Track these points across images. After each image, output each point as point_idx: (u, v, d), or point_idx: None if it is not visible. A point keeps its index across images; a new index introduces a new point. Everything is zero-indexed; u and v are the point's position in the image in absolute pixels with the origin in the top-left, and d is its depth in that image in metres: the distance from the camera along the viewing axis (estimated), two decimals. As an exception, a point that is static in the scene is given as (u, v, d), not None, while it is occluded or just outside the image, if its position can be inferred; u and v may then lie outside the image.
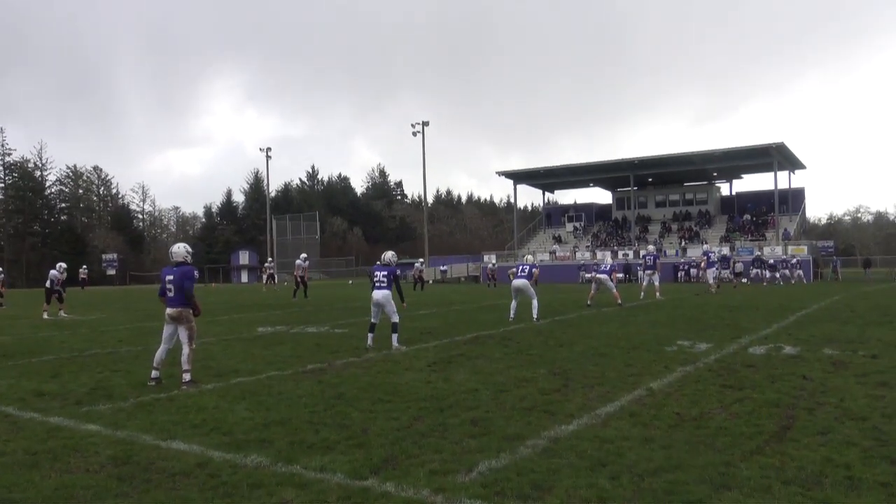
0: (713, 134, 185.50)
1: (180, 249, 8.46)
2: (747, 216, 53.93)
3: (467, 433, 5.50)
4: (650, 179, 58.13)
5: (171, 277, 8.18)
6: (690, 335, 12.06)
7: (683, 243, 52.02)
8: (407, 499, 4.04)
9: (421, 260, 48.40)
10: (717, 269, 27.52)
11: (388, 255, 11.69)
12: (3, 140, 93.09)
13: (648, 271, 23.81)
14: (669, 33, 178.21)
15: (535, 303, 15.74)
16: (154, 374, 8.25)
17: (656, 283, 23.51)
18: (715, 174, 57.18)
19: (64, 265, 21.81)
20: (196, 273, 8.64)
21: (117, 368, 9.40)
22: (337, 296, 31.52)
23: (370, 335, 11.31)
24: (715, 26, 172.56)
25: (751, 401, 6.52)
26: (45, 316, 20.17)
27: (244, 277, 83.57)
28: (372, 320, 11.38)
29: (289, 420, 6.08)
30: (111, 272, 78.86)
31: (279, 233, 78.32)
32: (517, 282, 15.88)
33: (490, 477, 4.37)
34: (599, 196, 76.99)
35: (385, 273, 11.14)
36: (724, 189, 61.20)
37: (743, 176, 59.22)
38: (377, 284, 11.11)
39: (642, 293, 23.92)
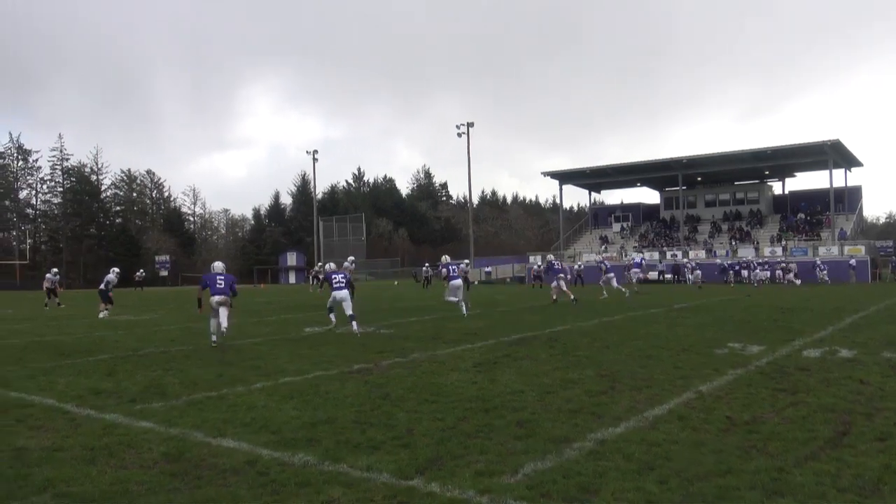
0: (762, 130, 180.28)
1: (220, 265, 12.78)
2: (801, 215, 52.57)
3: (513, 434, 5.48)
4: (699, 178, 57.10)
5: (222, 278, 12.32)
6: (741, 337, 11.79)
7: (734, 244, 50.94)
8: (452, 499, 4.04)
9: (466, 261, 48.40)
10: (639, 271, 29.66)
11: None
12: (62, 146, 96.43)
13: (609, 275, 26.75)
14: (712, 26, 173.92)
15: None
16: (214, 339, 11.93)
17: (618, 282, 26.85)
18: (767, 172, 55.90)
19: (118, 270, 23.61)
20: (235, 279, 12.86)
21: (170, 367, 9.63)
22: (383, 296, 31.74)
23: (332, 316, 14.37)
24: (760, 17, 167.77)
25: (805, 405, 6.34)
26: (102, 315, 20.93)
27: (292, 278, 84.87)
28: (330, 305, 14.36)
29: (335, 419, 6.14)
30: (164, 273, 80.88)
31: (326, 234, 79.25)
32: (455, 282, 17.89)
33: (536, 479, 4.34)
34: (647, 196, 75.92)
35: (342, 275, 14.25)
36: (777, 188, 59.82)
37: (796, 174, 57.72)
38: (336, 285, 14.00)
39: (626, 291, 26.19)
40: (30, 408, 6.94)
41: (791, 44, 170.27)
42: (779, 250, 47.14)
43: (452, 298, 17.91)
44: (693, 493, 4.04)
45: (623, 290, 26.03)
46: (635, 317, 16.91)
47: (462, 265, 43.49)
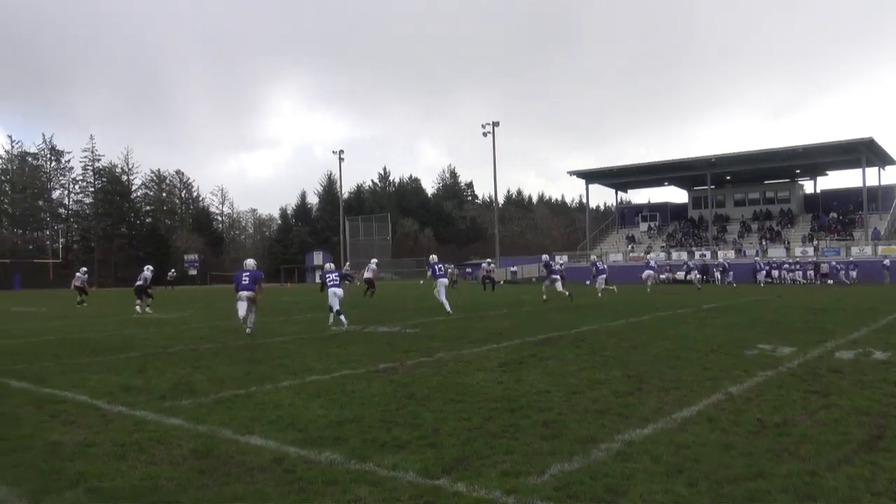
0: (793, 129, 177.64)
1: (251, 262, 14.20)
2: (833, 215, 51.66)
3: (539, 435, 5.45)
4: (728, 177, 56.38)
5: (248, 273, 13.68)
6: (772, 338, 11.61)
7: (764, 243, 50.23)
8: (478, 499, 4.02)
9: (488, 260, 48.49)
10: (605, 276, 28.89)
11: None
12: (93, 146, 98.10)
13: (602, 276, 27.27)
14: (739, 22, 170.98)
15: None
16: (248, 329, 13.33)
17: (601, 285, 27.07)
18: (798, 171, 55.03)
19: (151, 268, 24.25)
20: (262, 274, 14.26)
21: (198, 365, 9.73)
22: (408, 296, 31.80)
23: (343, 318, 14.92)
24: (787, 12, 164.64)
25: (838, 408, 6.22)
26: (141, 311, 21.58)
27: (318, 277, 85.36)
28: (334, 308, 15.20)
29: (362, 418, 6.15)
30: (193, 272, 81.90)
31: (352, 234, 79.73)
32: (443, 280, 19.22)
33: (562, 479, 4.31)
34: (675, 195, 75.14)
35: (335, 274, 15.78)
36: (808, 187, 58.83)
37: (828, 173, 56.74)
38: (330, 283, 15.43)
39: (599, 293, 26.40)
40: (63, 404, 7.06)
41: (820, 40, 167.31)
42: (810, 250, 46.42)
43: (443, 298, 19.08)
44: (723, 497, 3.98)
45: (599, 293, 26.49)
46: (663, 317, 16.75)
47: (484, 264, 43.84)
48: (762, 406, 6.35)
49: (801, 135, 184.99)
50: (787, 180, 57.22)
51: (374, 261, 31.29)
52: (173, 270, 57.44)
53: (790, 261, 44.92)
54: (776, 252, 47.28)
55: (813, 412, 6.07)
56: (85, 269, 30.39)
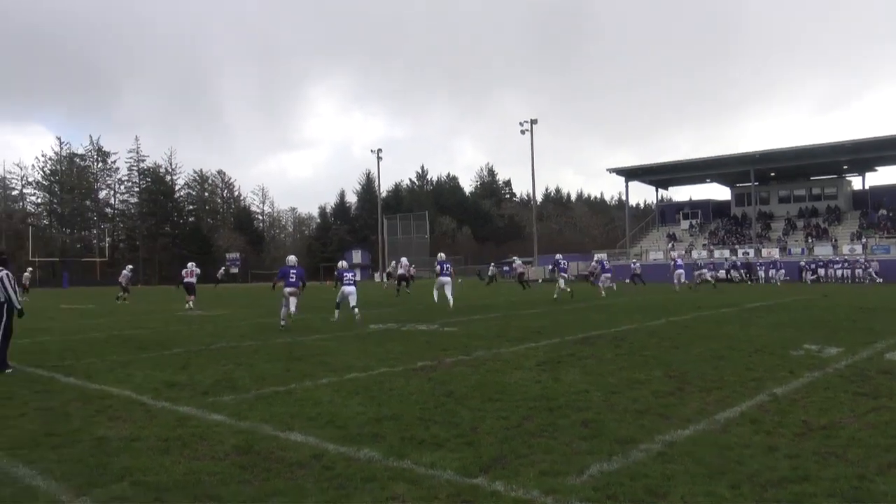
0: (840, 123, 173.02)
1: (293, 258, 15.41)
2: (882, 211, 50.17)
3: (578, 434, 5.40)
4: (772, 174, 55.17)
5: (294, 271, 14.65)
6: (818, 339, 11.33)
7: (810, 241, 49.06)
8: (516, 499, 4.00)
9: (514, 257, 48.49)
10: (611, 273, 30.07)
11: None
12: (138, 147, 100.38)
13: (606, 274, 29.10)
14: (784, 15, 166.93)
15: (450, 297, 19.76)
16: (283, 322, 14.40)
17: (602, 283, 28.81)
18: (845, 167, 53.57)
19: (194, 263, 25.71)
20: (304, 273, 15.24)
21: (240, 362, 9.88)
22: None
23: (337, 312, 16.29)
24: (834, 7, 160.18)
25: (888, 410, 6.04)
26: (192, 306, 22.53)
27: (357, 276, 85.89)
28: (338, 301, 16.43)
29: (400, 416, 6.17)
30: (234, 271, 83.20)
31: (390, 232, 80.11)
32: (442, 279, 20.11)
33: (602, 480, 4.27)
34: (717, 192, 73.88)
35: (352, 273, 16.68)
36: (856, 183, 57.26)
37: (877, 168, 55.14)
38: (346, 281, 16.31)
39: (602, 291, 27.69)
40: (109, 399, 7.24)
41: (868, 32, 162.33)
42: (858, 248, 45.21)
43: (436, 293, 20.16)
44: (767, 500, 3.89)
45: (613, 287, 28.03)
46: (706, 316, 16.48)
47: (516, 262, 43.76)
48: (808, 408, 6.20)
49: (849, 129, 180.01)
50: (834, 176, 55.78)
51: (404, 259, 32.52)
52: (223, 269, 58.84)
53: (809, 260, 43.75)
54: (823, 250, 46.17)
55: (861, 415, 5.91)
56: (131, 266, 31.52)
